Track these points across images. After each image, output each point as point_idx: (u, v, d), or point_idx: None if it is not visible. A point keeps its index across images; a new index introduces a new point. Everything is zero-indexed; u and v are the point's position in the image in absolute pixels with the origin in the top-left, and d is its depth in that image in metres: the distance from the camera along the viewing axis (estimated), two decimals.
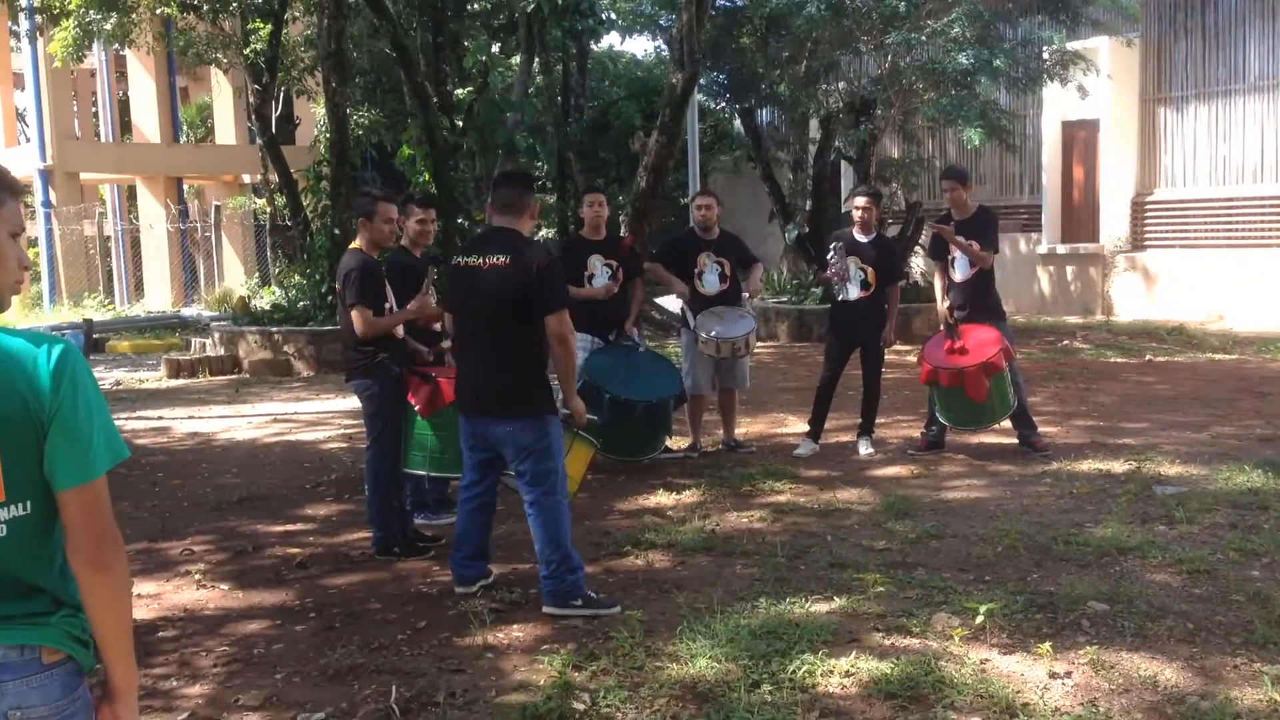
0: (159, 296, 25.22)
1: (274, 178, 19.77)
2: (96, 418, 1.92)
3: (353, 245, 5.88)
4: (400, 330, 5.86)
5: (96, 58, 25.33)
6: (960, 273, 7.72)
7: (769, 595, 4.92)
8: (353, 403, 11.47)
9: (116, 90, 28.17)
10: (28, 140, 27.03)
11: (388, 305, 5.77)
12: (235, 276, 24.51)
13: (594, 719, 3.77)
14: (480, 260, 4.91)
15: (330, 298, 14.83)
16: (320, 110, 19.73)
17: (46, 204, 24.51)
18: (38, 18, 18.22)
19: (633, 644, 4.41)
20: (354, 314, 5.56)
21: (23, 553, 1.90)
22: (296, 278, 16.29)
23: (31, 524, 1.90)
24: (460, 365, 5.19)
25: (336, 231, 14.91)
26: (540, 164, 25.83)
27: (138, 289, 26.47)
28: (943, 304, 7.85)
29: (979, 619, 4.45)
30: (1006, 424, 7.86)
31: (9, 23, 25.83)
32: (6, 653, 1.87)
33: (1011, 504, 6.42)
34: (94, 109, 29.52)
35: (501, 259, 4.86)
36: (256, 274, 22.66)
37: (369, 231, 5.82)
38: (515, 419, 4.88)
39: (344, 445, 9.14)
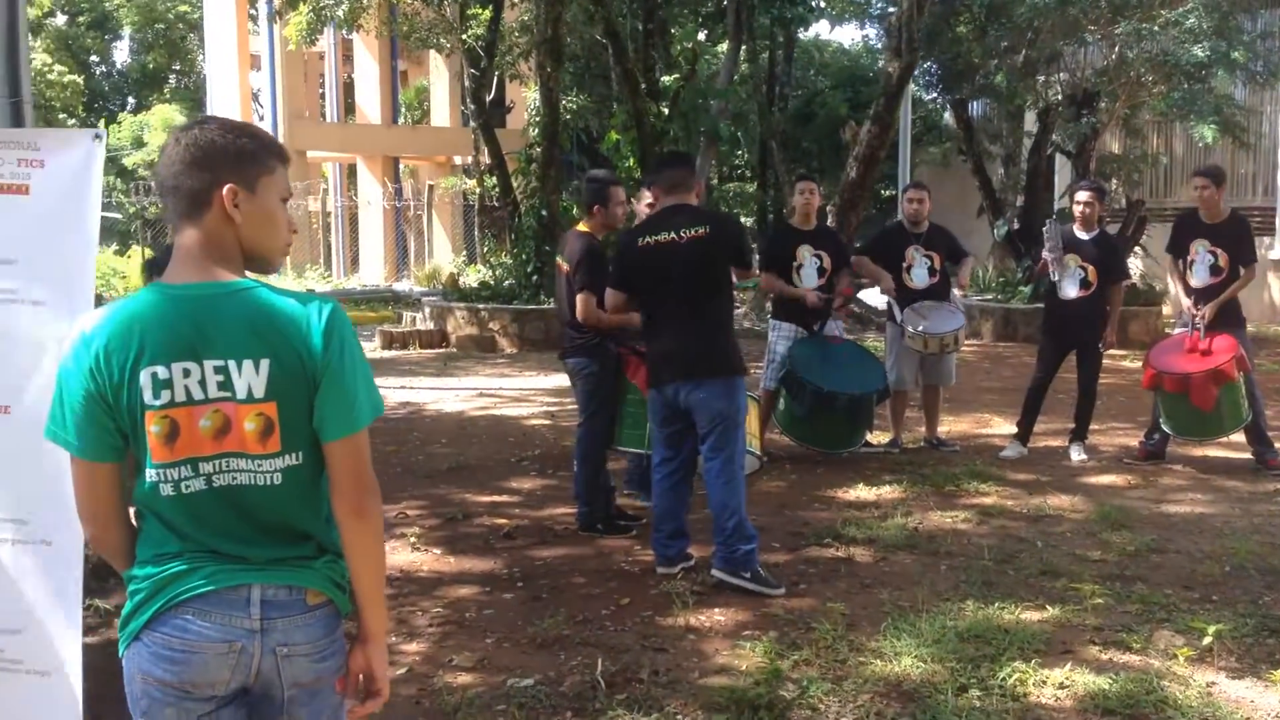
0: (373, 270, 26.39)
1: (485, 159, 20.38)
2: (361, 374, 2.03)
3: (580, 228, 5.98)
4: None
5: (326, 42, 26.60)
6: (1199, 278, 7.27)
7: (976, 598, 4.80)
8: (554, 381, 11.76)
9: (342, 73, 29.55)
10: (260, 119, 28.67)
11: None
12: (443, 254, 25.38)
13: (801, 709, 3.76)
14: (674, 235, 5.03)
15: (535, 277, 15.23)
16: (531, 95, 20.21)
17: None
18: (276, 2, 19.25)
19: (835, 636, 4.38)
20: (580, 299, 5.66)
21: (294, 500, 2.02)
22: (504, 257, 16.75)
23: (303, 473, 2.01)
24: (652, 339, 5.25)
25: (544, 213, 15.27)
26: (741, 152, 25.82)
27: (354, 263, 27.76)
28: (1186, 299, 7.40)
29: (1206, 640, 4.23)
30: (1237, 437, 7.41)
31: (248, 7, 27.45)
32: (276, 592, 2.00)
33: (1240, 521, 6.06)
34: (321, 91, 31.04)
35: (700, 230, 5.00)
36: (464, 252, 23.39)
37: (602, 216, 5.94)
38: (713, 380, 4.97)
39: (546, 422, 9.37)
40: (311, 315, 1.99)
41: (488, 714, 3.76)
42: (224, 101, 27.39)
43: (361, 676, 2.13)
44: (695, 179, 5.23)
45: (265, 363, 1.95)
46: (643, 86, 16.41)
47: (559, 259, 6.02)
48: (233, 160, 2.02)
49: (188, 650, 1.96)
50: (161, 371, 1.93)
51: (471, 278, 17.66)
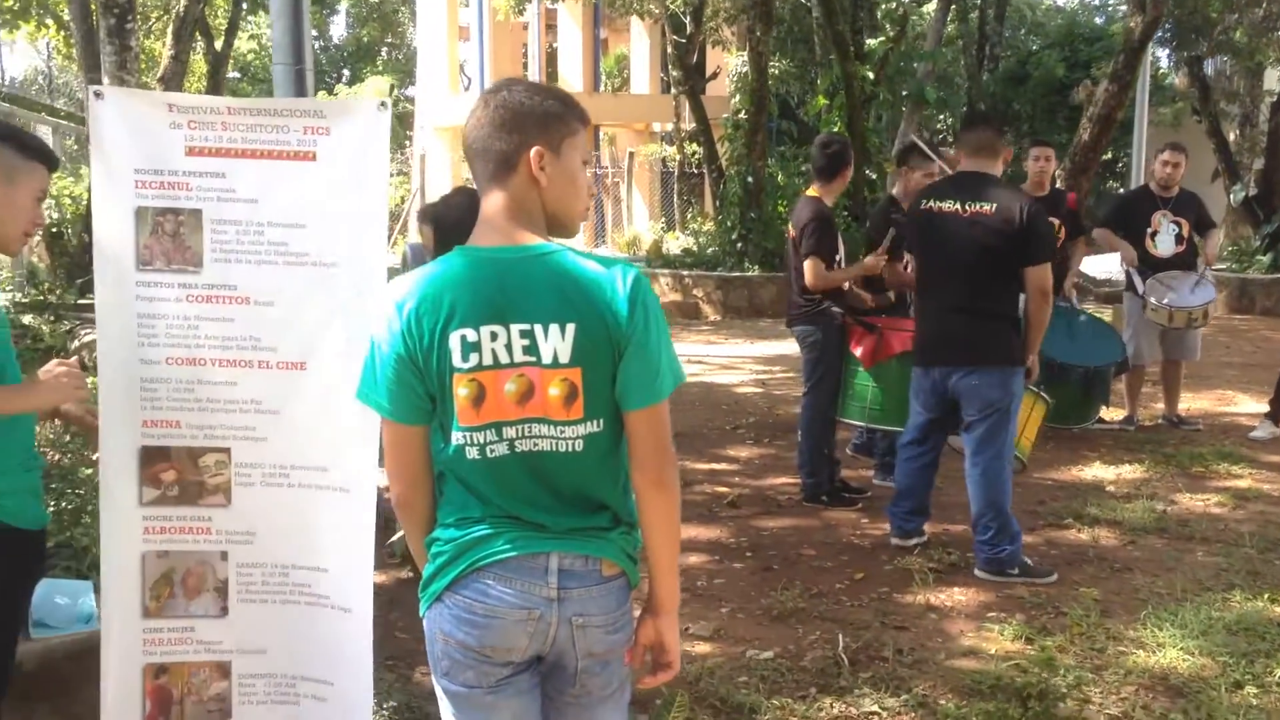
0: (573, 239, 26.73)
1: (685, 126, 20.35)
2: (664, 342, 1.97)
3: (810, 193, 5.86)
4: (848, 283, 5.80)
5: (531, 12, 27.03)
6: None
7: (1242, 588, 4.48)
8: (760, 349, 11.68)
9: (545, 42, 29.99)
10: (467, 89, 29.42)
11: (838, 258, 5.72)
12: (641, 221, 25.55)
13: (1073, 700, 3.57)
14: (958, 206, 4.73)
15: (740, 245, 15.13)
16: (733, 60, 20.04)
17: None
18: None
19: (1090, 623, 4.16)
20: (807, 264, 5.55)
21: (594, 468, 1.99)
22: (706, 224, 16.71)
23: (603, 441, 1.98)
24: (923, 314, 5.00)
25: (749, 180, 15.13)
26: (944, 116, 24.98)
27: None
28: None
29: None
30: None
31: None
32: (573, 561, 1.98)
33: None
34: (524, 60, 31.60)
35: (984, 207, 4.65)
36: (662, 219, 23.48)
37: (906, 182, 5.93)
38: (984, 370, 4.67)
39: (758, 390, 9.28)
40: (616, 280, 1.95)
41: (729, 685, 3.72)
42: (433, 72, 28.22)
43: (650, 648, 2.10)
44: (1003, 144, 4.83)
45: (571, 328, 1.91)
46: (851, 49, 16.01)
47: (789, 226, 5.91)
48: (539, 122, 1.99)
49: (488, 615, 1.96)
50: (470, 334, 1.92)
51: (673, 245, 17.70)
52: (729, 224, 15.45)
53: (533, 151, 1.98)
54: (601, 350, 1.93)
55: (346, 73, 41.72)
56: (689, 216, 20.19)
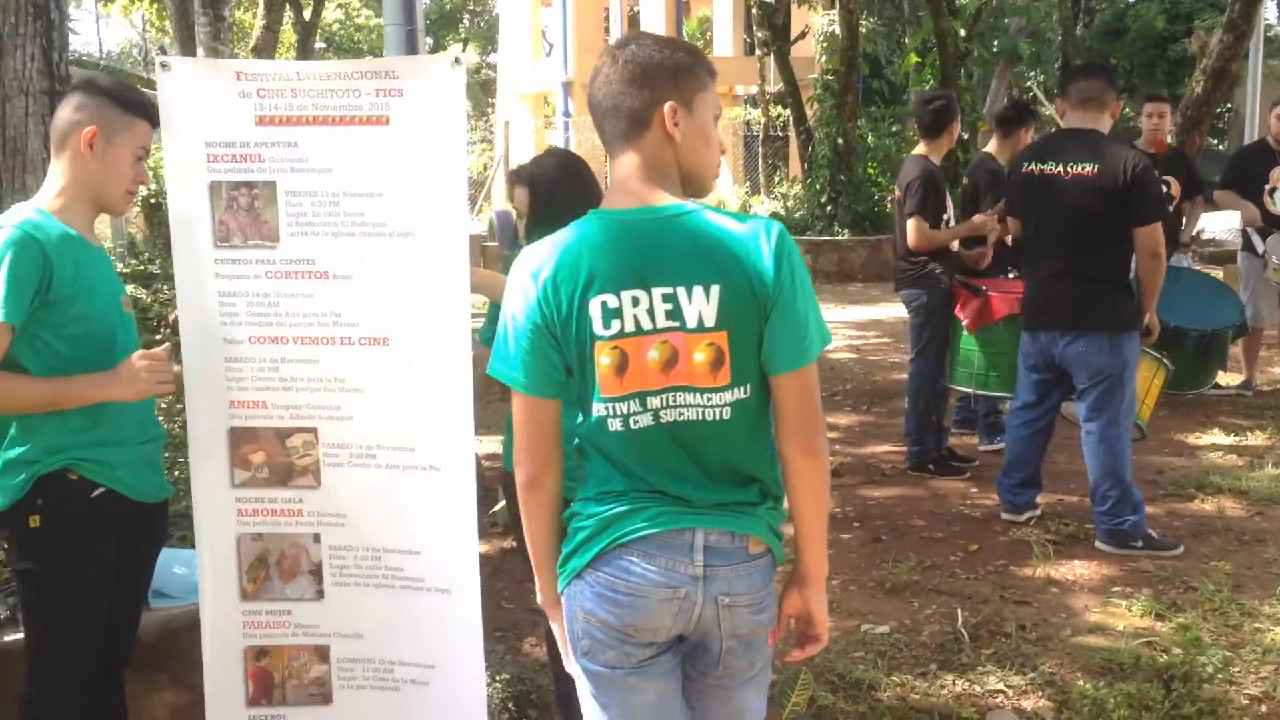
0: None
1: (770, 88, 20.04)
2: (811, 301, 1.87)
3: (917, 151, 5.68)
4: (955, 243, 5.61)
5: None
6: None
7: None
8: (851, 314, 11.48)
9: (626, 6, 29.76)
10: (549, 54, 29.34)
11: (945, 217, 5.54)
12: (724, 185, 25.31)
13: (1218, 684, 3.40)
14: (1060, 168, 4.51)
15: (830, 208, 14.89)
16: (820, 20, 19.63)
17: (566, 113, 26.50)
18: None
19: (1222, 599, 3.97)
20: (910, 224, 5.38)
21: (742, 438, 1.89)
22: (795, 187, 16.47)
23: (751, 408, 1.88)
24: (1029, 278, 4.82)
25: (840, 141, 14.85)
26: (1036, 73, 24.29)
27: None
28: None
29: None
30: None
31: None
32: (720, 538, 1.88)
33: None
34: (605, 24, 31.41)
35: (1086, 168, 4.42)
36: (746, 183, 23.22)
37: (1016, 144, 5.79)
38: (1091, 334, 4.46)
39: (853, 356, 9.10)
40: (760, 237, 1.84)
41: (846, 659, 3.62)
42: (515, 39, 28.19)
43: (797, 620, 2.01)
44: (1113, 96, 4.59)
45: (715, 289, 1.81)
46: (944, 5, 15.59)
47: (895, 187, 5.74)
48: (671, 76, 1.89)
49: (632, 594, 1.87)
50: (611, 300, 1.82)
51: (759, 209, 17.48)
52: (818, 187, 15.21)
53: (666, 107, 1.88)
54: (748, 311, 1.82)
55: (429, 40, 41.89)
56: (775, 180, 19.91)
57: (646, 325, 1.83)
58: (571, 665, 2.01)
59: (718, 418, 1.85)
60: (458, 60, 2.48)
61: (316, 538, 2.66)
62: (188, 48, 11.39)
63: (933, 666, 3.59)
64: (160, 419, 2.78)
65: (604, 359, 1.84)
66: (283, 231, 2.53)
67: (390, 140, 2.48)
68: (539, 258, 1.88)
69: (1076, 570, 4.36)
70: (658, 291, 1.83)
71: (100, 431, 2.44)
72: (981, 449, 6.00)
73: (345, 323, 2.56)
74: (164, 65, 2.51)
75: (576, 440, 1.95)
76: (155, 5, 18.24)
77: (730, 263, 1.82)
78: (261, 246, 2.54)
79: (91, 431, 2.42)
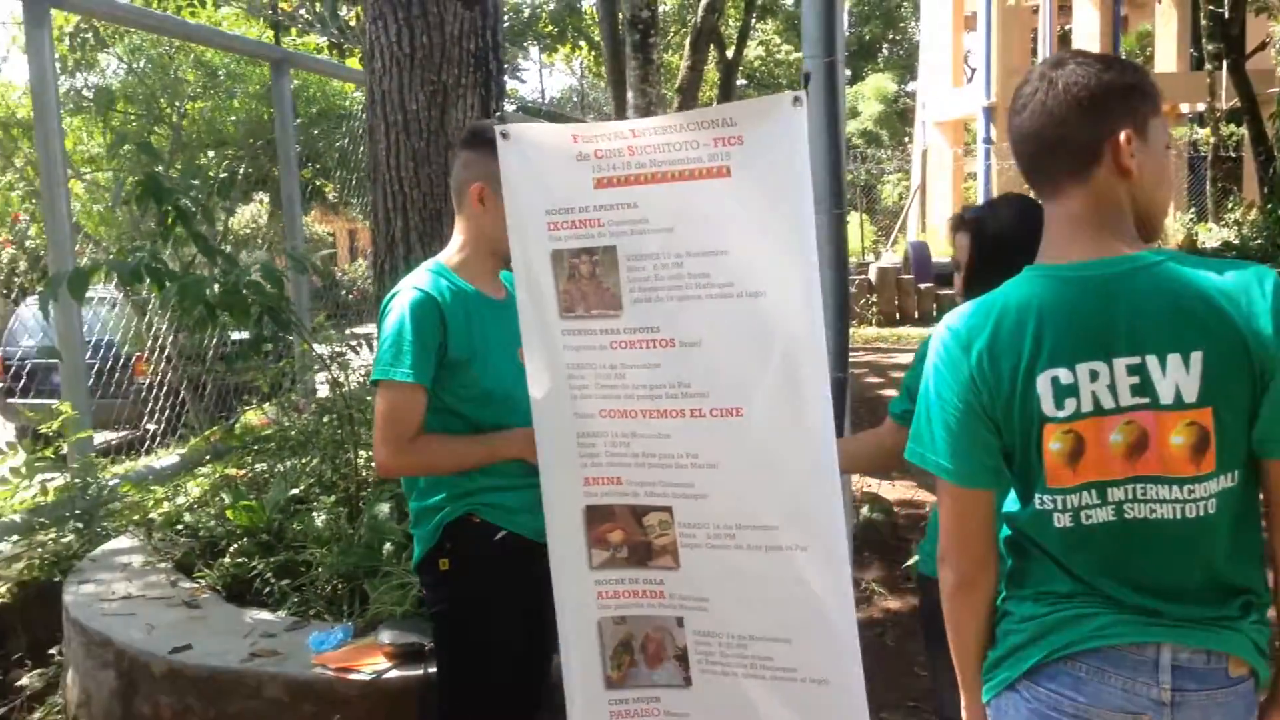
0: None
1: (1220, 105, 18.23)
2: None
3: None
4: None
5: None
6: None
7: None
8: None
9: (1057, 25, 28.31)
10: (969, 80, 28.43)
11: None
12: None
13: None
14: None
15: None
16: None
17: (987, 140, 25.53)
18: None
19: None
20: None
21: (1227, 537, 1.57)
22: (1251, 213, 14.90)
23: (1238, 501, 1.56)
24: None
25: None
26: None
27: None
28: None
29: None
30: None
31: None
32: (1192, 656, 1.56)
33: None
34: (1032, 44, 30.05)
35: None
36: (1191, 209, 21.25)
37: None
38: None
39: None
40: (1252, 288, 1.51)
41: None
42: (935, 65, 27.58)
43: None
44: None
45: (1197, 356, 1.51)
46: None
47: None
48: (1123, 99, 1.61)
49: (1077, 715, 1.59)
50: (1064, 375, 1.55)
51: (1208, 237, 15.90)
52: (1279, 214, 13.62)
53: (1121, 136, 1.59)
54: (1238, 382, 1.51)
55: (849, 72, 42.06)
56: (1227, 205, 18.07)
57: (1108, 404, 1.55)
58: None
59: (1199, 514, 1.54)
60: (798, 99, 2.24)
61: (680, 621, 2.47)
62: (619, 90, 12.02)
63: None
64: None
65: (1054, 444, 1.57)
66: (625, 299, 2.35)
67: (732, 192, 2.24)
68: (968, 323, 1.64)
69: None
70: (1121, 362, 1.54)
71: (494, 477, 2.49)
72: None
73: (694, 393, 2.34)
74: (504, 135, 2.39)
75: (1009, 532, 1.69)
76: (593, 53, 19.53)
77: (1216, 323, 1.51)
78: (605, 316, 2.38)
79: (489, 476, 2.49)
